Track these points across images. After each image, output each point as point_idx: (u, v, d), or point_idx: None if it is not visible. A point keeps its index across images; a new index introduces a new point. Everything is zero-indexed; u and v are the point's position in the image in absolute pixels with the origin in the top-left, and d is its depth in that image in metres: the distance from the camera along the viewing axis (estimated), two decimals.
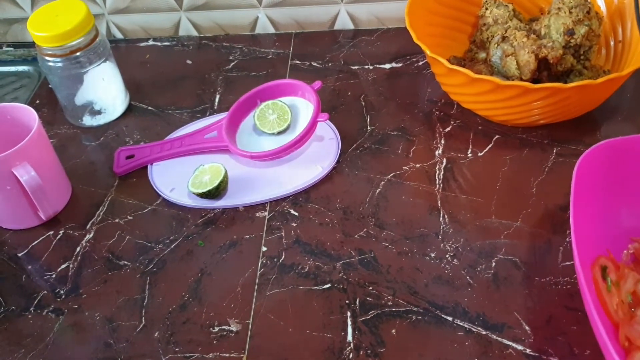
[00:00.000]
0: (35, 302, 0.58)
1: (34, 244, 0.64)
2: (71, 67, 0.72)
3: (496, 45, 0.69)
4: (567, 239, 0.59)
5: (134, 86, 0.83)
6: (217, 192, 0.64)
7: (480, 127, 0.71)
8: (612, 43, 0.72)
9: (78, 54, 0.71)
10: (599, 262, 0.53)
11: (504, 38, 0.69)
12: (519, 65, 0.66)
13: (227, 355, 0.52)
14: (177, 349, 0.53)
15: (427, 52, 0.64)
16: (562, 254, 0.57)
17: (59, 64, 0.71)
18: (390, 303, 0.55)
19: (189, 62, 0.87)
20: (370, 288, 0.56)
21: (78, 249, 0.63)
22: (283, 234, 0.62)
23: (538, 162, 0.67)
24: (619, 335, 0.48)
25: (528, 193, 0.63)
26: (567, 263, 0.57)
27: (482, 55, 0.74)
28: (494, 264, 0.57)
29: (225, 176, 0.65)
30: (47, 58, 0.71)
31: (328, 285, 0.57)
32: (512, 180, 0.65)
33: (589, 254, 0.53)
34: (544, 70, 0.68)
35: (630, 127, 0.70)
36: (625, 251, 0.55)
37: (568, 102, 0.62)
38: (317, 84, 0.70)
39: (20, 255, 0.63)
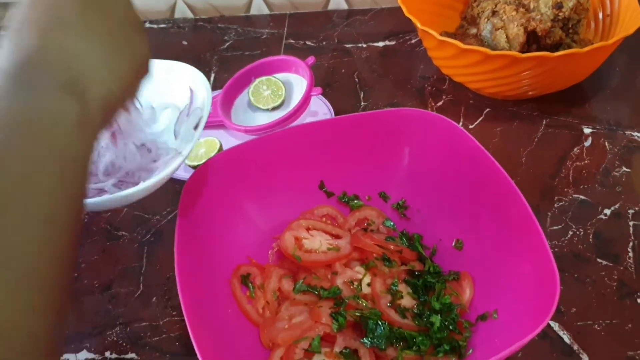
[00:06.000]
0: None
1: None
2: None
3: (486, 19, 0.70)
4: (555, 205, 0.60)
5: None
6: None
7: (471, 101, 0.73)
8: (600, 17, 0.73)
9: None
10: (239, 272, 0.52)
11: (493, 12, 0.70)
12: (509, 38, 0.68)
13: None
14: (174, 313, 0.54)
15: (418, 24, 0.65)
16: (550, 219, 0.59)
17: None
18: None
19: (184, 43, 0.88)
20: None
21: None
22: None
23: (528, 134, 0.68)
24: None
25: (518, 162, 0.65)
26: (555, 227, 0.58)
27: (473, 30, 0.75)
28: None
29: (220, 149, 0.66)
30: None
31: None
32: (503, 151, 0.66)
33: (228, 270, 0.52)
34: (533, 44, 0.69)
35: (618, 100, 0.71)
36: (270, 251, 0.56)
37: (556, 72, 0.63)
38: (311, 59, 0.72)
39: None
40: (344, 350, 0.46)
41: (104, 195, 0.52)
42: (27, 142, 0.26)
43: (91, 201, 0.49)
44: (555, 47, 0.71)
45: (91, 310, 0.55)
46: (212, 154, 0.65)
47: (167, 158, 0.57)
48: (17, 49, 0.29)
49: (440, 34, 0.71)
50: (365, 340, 0.47)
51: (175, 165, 0.49)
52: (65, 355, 0.52)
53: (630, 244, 0.56)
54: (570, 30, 0.71)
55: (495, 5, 0.70)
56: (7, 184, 0.25)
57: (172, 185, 0.66)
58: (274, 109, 0.72)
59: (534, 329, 0.39)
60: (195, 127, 0.53)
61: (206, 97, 0.54)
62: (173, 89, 0.58)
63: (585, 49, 0.59)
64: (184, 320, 0.53)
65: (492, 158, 0.51)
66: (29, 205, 0.25)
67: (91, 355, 0.52)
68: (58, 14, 0.31)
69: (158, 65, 0.58)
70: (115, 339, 0.53)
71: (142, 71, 0.36)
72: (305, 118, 0.72)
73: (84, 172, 0.29)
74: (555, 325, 0.51)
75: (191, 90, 0.57)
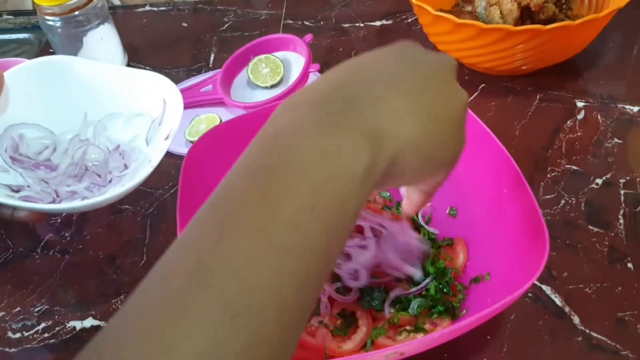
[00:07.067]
0: (42, 244, 0.61)
1: None
2: (70, 27, 0.74)
3: None
4: (548, 176, 0.61)
5: (131, 49, 0.85)
6: None
7: (466, 77, 0.74)
8: None
9: (76, 12, 0.73)
10: None
11: None
12: (503, 14, 0.69)
13: None
14: None
15: (413, 0, 0.66)
16: (542, 188, 0.60)
17: (59, 23, 0.74)
18: None
19: (184, 24, 0.90)
20: None
21: None
22: None
23: (522, 108, 0.69)
24: None
25: (512, 135, 0.66)
26: (548, 197, 0.59)
27: (468, 8, 0.76)
28: None
29: None
30: (47, 17, 0.74)
31: None
32: (497, 124, 0.67)
33: None
34: (527, 20, 0.70)
35: (611, 75, 0.73)
36: None
37: (549, 45, 0.64)
38: (309, 36, 0.73)
39: None
40: (341, 312, 0.48)
41: (76, 201, 0.54)
42: (316, 178, 0.26)
43: (64, 206, 0.52)
44: (548, 23, 0.72)
45: (97, 279, 0.57)
46: None
47: (138, 164, 0.59)
48: (334, 84, 0.30)
49: (436, 10, 0.72)
50: (362, 302, 0.48)
51: (145, 173, 0.51)
52: (72, 322, 0.54)
53: (621, 211, 0.57)
54: (564, 6, 0.72)
55: None
56: (288, 211, 0.25)
57: (175, 161, 0.68)
58: (272, 86, 0.73)
59: (523, 286, 0.40)
60: (166, 138, 0.55)
61: (178, 109, 0.55)
62: (146, 98, 0.60)
63: (578, 21, 0.61)
64: None
65: (486, 127, 0.53)
66: (293, 244, 0.24)
67: (96, 322, 0.54)
68: (385, 70, 0.31)
69: (132, 74, 0.61)
70: (120, 306, 0.55)
71: (443, 171, 0.33)
72: None
73: (349, 227, 0.27)
74: (547, 289, 0.52)
75: (164, 101, 0.58)
